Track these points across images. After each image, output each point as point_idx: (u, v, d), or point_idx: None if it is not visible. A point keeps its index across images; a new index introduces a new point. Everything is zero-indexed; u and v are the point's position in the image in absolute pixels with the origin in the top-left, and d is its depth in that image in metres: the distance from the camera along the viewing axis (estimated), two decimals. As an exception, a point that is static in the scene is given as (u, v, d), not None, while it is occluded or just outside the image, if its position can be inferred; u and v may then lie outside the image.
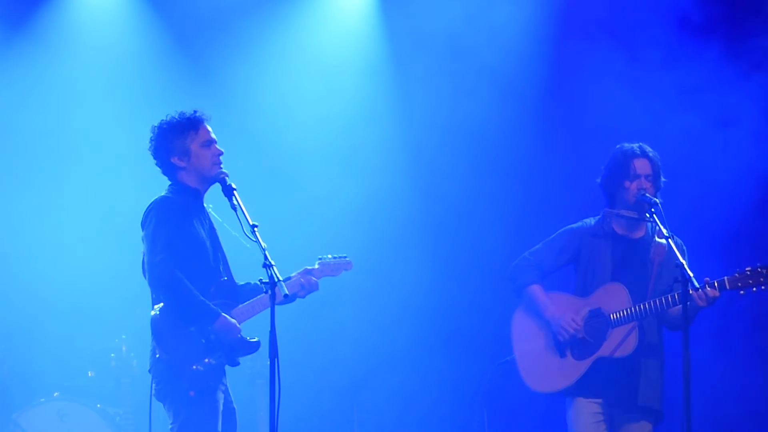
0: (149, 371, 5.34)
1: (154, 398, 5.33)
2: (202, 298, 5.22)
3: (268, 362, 4.87)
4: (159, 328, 5.23)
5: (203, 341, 5.24)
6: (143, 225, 5.36)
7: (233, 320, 5.28)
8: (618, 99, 8.10)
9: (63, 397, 7.87)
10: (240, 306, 5.42)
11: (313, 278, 5.60)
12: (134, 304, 7.85)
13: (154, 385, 5.30)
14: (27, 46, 8.34)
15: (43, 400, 7.83)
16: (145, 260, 5.29)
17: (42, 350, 8.10)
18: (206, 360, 5.23)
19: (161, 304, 5.23)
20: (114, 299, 8.05)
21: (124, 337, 7.98)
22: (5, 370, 7.92)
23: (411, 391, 8.43)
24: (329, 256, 5.78)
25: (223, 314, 5.26)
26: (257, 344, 5.24)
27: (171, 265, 5.18)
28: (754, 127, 7.89)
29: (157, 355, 5.22)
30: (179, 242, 5.25)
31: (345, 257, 5.81)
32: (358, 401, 8.44)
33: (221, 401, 5.34)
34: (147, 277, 5.28)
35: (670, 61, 8.02)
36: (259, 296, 5.41)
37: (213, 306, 5.25)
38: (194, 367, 5.20)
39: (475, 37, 8.43)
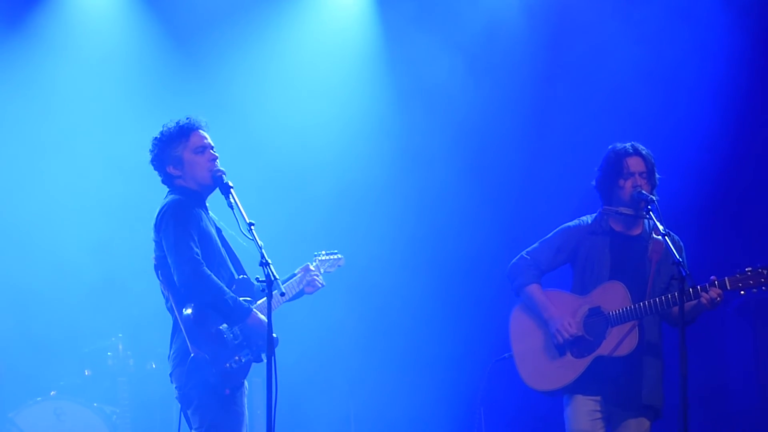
0: (170, 375, 5.30)
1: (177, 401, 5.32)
2: (233, 294, 5.23)
3: (265, 360, 4.87)
4: (193, 326, 5.18)
5: (233, 339, 5.23)
6: (158, 228, 5.31)
7: (263, 316, 5.24)
8: (615, 95, 8.10)
9: (60, 396, 7.85)
10: (258, 302, 5.39)
11: (317, 275, 5.69)
12: (131, 303, 7.85)
13: (178, 388, 5.26)
14: (23, 45, 8.31)
15: (39, 398, 7.81)
16: (171, 261, 5.21)
17: (39, 349, 8.07)
18: (236, 357, 5.23)
19: (192, 304, 5.19)
20: (111, 298, 8.03)
21: (120, 335, 7.98)
22: (2, 368, 7.90)
23: (408, 387, 8.42)
24: (323, 252, 5.90)
25: (254, 309, 5.28)
26: (277, 340, 5.16)
27: (200, 263, 5.17)
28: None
29: (192, 354, 5.15)
30: (198, 241, 5.24)
31: (336, 253, 5.95)
32: (355, 398, 8.43)
33: (245, 404, 5.33)
34: (176, 277, 5.18)
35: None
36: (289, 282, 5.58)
37: (244, 302, 5.26)
38: (227, 365, 5.19)
39: (472, 34, 8.43)
